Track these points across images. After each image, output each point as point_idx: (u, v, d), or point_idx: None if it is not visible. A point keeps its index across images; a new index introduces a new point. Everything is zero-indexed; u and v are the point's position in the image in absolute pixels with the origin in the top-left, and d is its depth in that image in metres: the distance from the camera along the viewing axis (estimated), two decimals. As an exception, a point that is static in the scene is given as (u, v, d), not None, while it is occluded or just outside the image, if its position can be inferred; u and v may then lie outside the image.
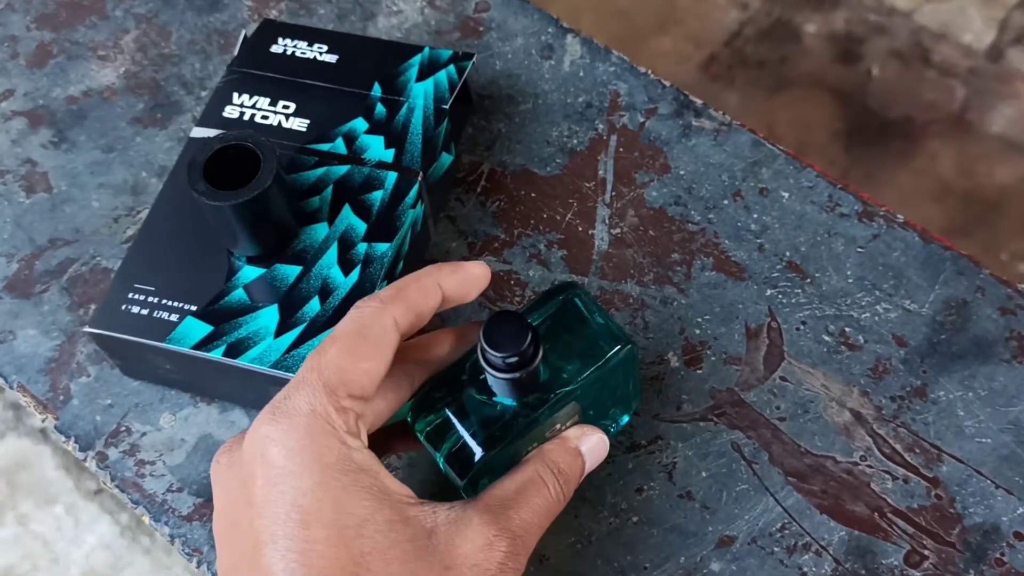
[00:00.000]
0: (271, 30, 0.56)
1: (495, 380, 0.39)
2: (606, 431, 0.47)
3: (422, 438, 0.41)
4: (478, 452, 0.40)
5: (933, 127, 1.44)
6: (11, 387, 0.51)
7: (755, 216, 0.54)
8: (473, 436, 0.40)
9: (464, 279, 0.41)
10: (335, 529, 0.35)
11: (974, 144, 1.43)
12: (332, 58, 0.54)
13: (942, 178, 1.39)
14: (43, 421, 0.50)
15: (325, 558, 0.34)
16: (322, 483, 0.35)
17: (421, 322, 0.40)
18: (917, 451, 0.47)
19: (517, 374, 0.39)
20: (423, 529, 0.37)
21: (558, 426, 0.42)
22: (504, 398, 0.40)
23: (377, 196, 0.49)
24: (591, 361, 0.41)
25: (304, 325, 0.46)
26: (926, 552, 0.45)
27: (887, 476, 0.47)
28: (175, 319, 0.47)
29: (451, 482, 0.41)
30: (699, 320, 0.51)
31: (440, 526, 0.37)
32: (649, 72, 0.59)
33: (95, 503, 1.25)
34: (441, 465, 0.41)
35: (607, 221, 0.54)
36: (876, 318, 0.50)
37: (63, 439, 0.49)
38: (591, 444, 0.43)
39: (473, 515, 0.38)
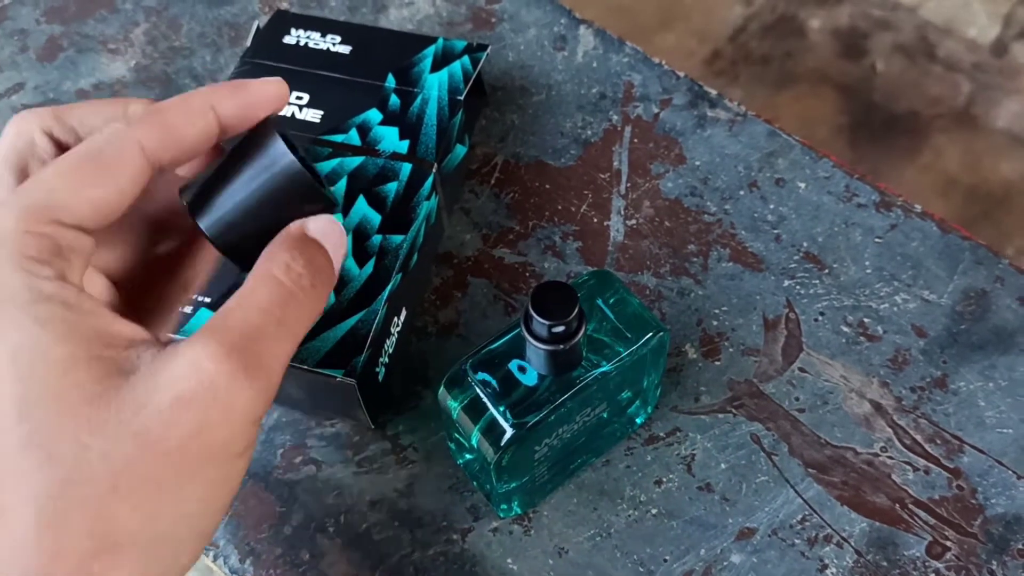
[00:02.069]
0: (284, 21, 0.55)
1: (535, 352, 0.39)
2: (623, 428, 0.47)
3: (456, 415, 0.41)
4: (508, 430, 0.39)
5: (938, 122, 1.44)
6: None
7: (771, 207, 0.53)
8: (504, 414, 0.39)
9: (248, 100, 0.35)
10: None
11: (979, 139, 1.43)
12: (345, 49, 0.54)
13: (947, 173, 1.39)
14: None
15: None
16: None
17: (184, 152, 0.34)
18: (938, 442, 0.47)
19: (560, 346, 0.38)
20: (117, 369, 0.30)
21: (588, 410, 0.42)
22: (540, 372, 0.40)
23: (392, 188, 0.49)
24: (626, 345, 0.41)
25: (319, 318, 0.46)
26: (948, 543, 0.44)
27: (908, 467, 0.46)
28: (189, 310, 0.46)
29: (482, 457, 0.41)
30: (716, 311, 0.50)
31: (144, 365, 0.30)
32: (662, 63, 0.58)
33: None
34: (474, 442, 0.40)
35: (622, 212, 0.54)
36: (895, 308, 0.50)
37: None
38: (319, 225, 0.35)
39: (184, 346, 0.30)
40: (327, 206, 0.36)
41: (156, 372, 0.30)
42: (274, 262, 0.33)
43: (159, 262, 0.38)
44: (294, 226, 0.35)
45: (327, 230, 0.35)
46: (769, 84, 1.49)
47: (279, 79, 0.35)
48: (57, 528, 0.28)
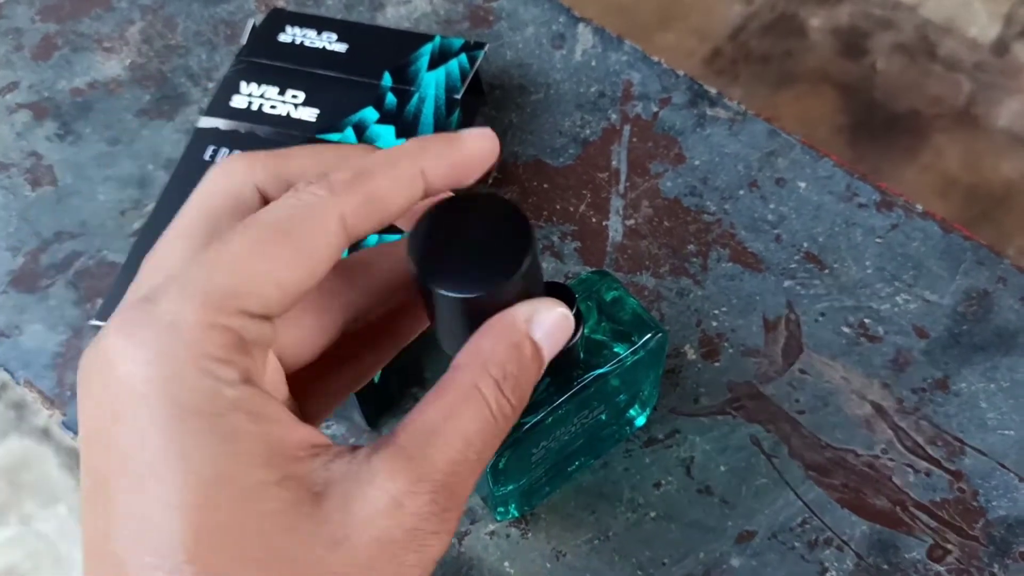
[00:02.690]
0: (279, 19, 0.55)
1: None
2: (622, 430, 0.46)
3: None
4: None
5: (939, 121, 1.44)
6: (18, 383, 0.50)
7: (772, 206, 0.53)
8: None
9: (461, 161, 0.29)
10: (177, 495, 0.24)
11: (980, 138, 1.42)
12: (342, 47, 0.53)
13: (948, 172, 1.38)
14: (49, 417, 0.49)
15: (161, 531, 0.24)
16: (168, 428, 0.25)
17: (383, 223, 0.29)
18: (939, 444, 0.46)
19: None
20: (308, 493, 0.26)
21: (586, 412, 0.41)
22: None
23: (388, 187, 0.48)
24: (625, 346, 0.40)
25: (315, 318, 0.45)
26: (949, 546, 0.44)
27: (909, 469, 0.46)
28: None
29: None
30: (716, 312, 0.50)
31: (333, 486, 0.26)
32: (662, 61, 0.58)
33: (98, 502, 1.24)
34: None
35: (621, 212, 0.53)
36: (896, 309, 0.50)
37: (70, 435, 0.49)
38: (548, 325, 0.30)
39: (379, 466, 0.27)
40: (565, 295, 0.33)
41: (348, 500, 0.26)
42: (485, 375, 0.29)
43: (335, 343, 0.33)
44: (520, 319, 0.30)
45: (555, 330, 0.30)
46: (769, 83, 1.49)
47: (489, 132, 0.30)
48: None
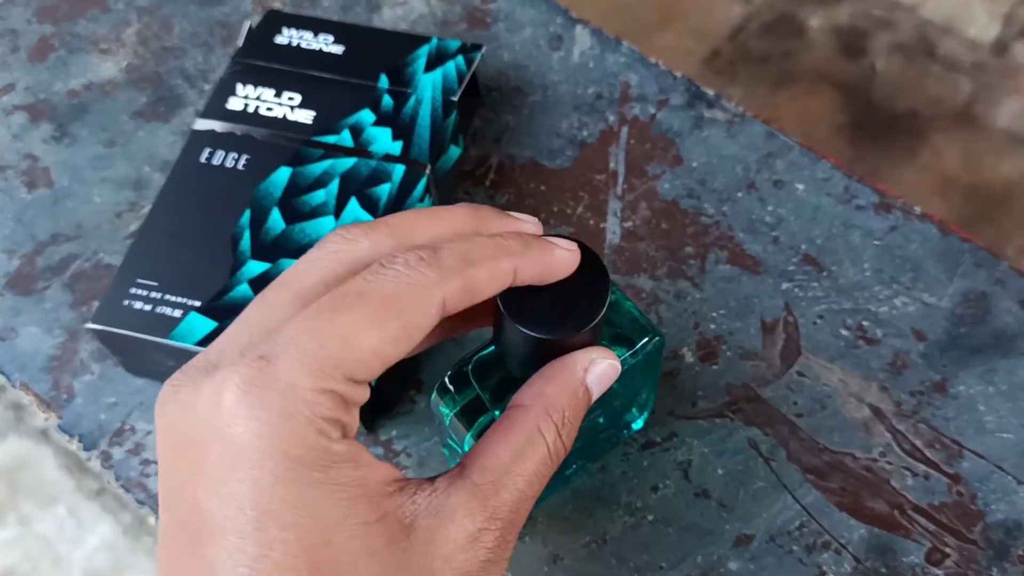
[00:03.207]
0: (276, 20, 0.55)
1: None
2: (619, 434, 0.46)
3: (448, 421, 0.40)
4: None
5: (938, 121, 1.44)
6: (13, 385, 0.50)
7: (770, 208, 0.53)
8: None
9: (549, 268, 0.34)
10: (296, 534, 0.29)
11: (979, 138, 1.42)
12: (338, 49, 0.53)
13: (947, 173, 1.38)
14: (46, 420, 0.49)
15: (281, 568, 0.28)
16: (288, 479, 0.28)
17: (472, 304, 0.33)
18: (937, 447, 0.46)
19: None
20: (400, 527, 0.30)
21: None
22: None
23: (384, 190, 0.48)
24: (622, 350, 0.40)
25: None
26: (948, 550, 0.44)
27: (907, 472, 0.46)
28: (178, 315, 0.46)
29: None
30: (714, 314, 0.50)
31: (419, 520, 0.31)
32: (660, 63, 0.58)
33: (97, 503, 1.24)
34: (467, 447, 0.40)
35: (619, 214, 0.53)
36: (894, 312, 0.49)
37: (66, 438, 0.48)
38: (600, 372, 0.35)
39: (457, 504, 0.31)
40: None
41: (433, 535, 0.31)
42: (548, 419, 0.34)
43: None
44: (580, 369, 0.35)
45: (605, 379, 0.35)
46: (768, 83, 1.49)
47: (575, 246, 0.34)
48: None
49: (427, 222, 0.34)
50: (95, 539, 1.23)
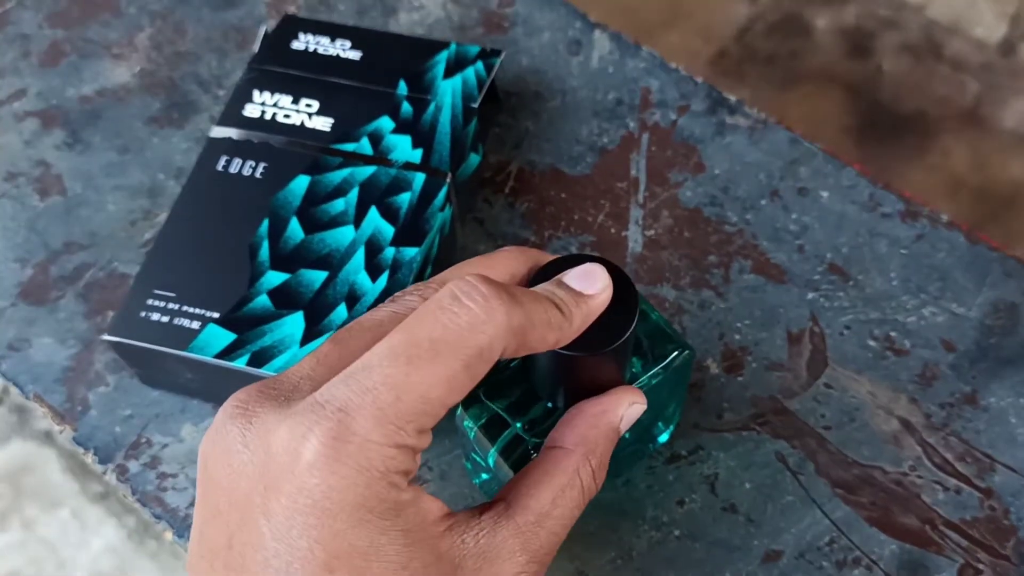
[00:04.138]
0: (292, 26, 0.54)
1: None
2: (644, 447, 0.45)
3: (473, 435, 0.39)
4: (531, 455, 0.38)
5: (945, 122, 1.43)
6: (27, 397, 0.49)
7: (794, 216, 0.52)
8: (526, 434, 0.38)
9: (587, 322, 0.35)
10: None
11: (987, 139, 1.41)
12: (356, 55, 0.52)
13: (955, 173, 1.37)
14: (60, 432, 0.48)
15: None
16: (359, 528, 0.30)
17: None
18: (969, 460, 0.45)
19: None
20: (451, 566, 0.32)
21: None
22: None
23: (405, 198, 0.48)
24: (653, 364, 0.39)
25: (331, 333, 0.44)
26: (980, 566, 0.43)
27: (938, 487, 0.45)
28: (196, 326, 0.45)
29: (500, 481, 0.39)
30: (739, 325, 0.49)
31: (468, 559, 0.32)
32: (680, 68, 0.57)
33: (101, 506, 1.24)
34: (491, 462, 0.39)
35: (640, 222, 0.52)
36: (922, 322, 0.49)
37: (81, 451, 0.48)
38: (632, 416, 0.37)
39: (501, 544, 0.33)
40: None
41: (477, 573, 0.32)
42: (586, 463, 0.35)
43: None
44: (615, 415, 0.36)
45: (634, 419, 0.37)
46: (775, 84, 1.48)
47: (609, 284, 0.35)
48: None
49: (483, 270, 0.35)
50: (99, 542, 1.22)
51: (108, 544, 1.22)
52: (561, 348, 0.34)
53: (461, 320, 0.30)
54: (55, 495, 1.25)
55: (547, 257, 0.36)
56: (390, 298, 0.35)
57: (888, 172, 1.37)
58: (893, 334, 0.48)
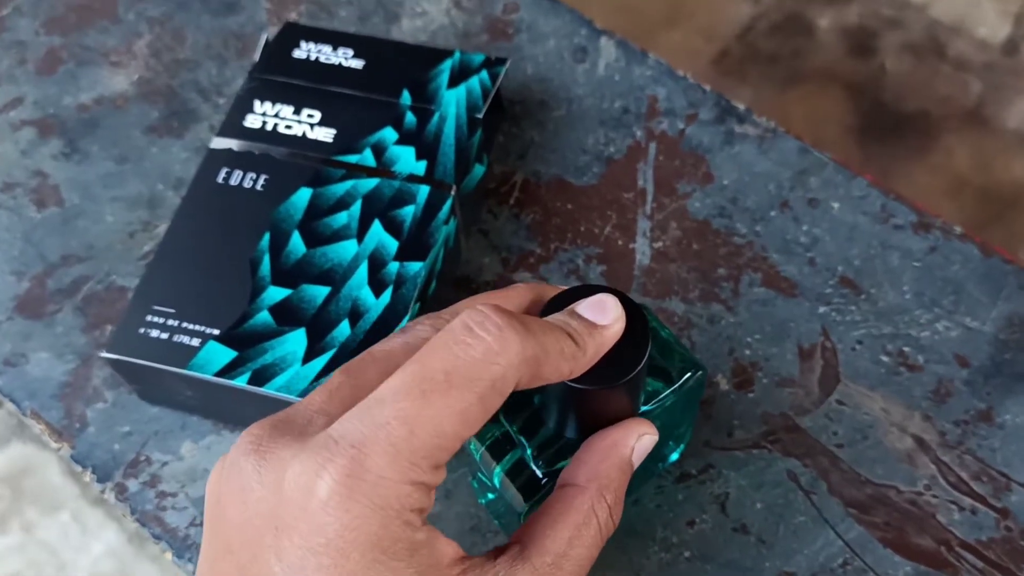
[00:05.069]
0: (293, 34, 0.53)
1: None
2: (654, 466, 0.44)
3: (479, 455, 0.39)
4: (538, 477, 0.37)
5: (948, 122, 1.42)
6: (24, 413, 0.48)
7: (804, 228, 0.51)
8: (531, 459, 0.37)
9: (599, 355, 0.35)
10: None
11: (990, 139, 1.41)
12: (358, 63, 0.51)
13: (958, 173, 1.37)
14: (58, 450, 0.47)
15: None
16: (372, 569, 0.29)
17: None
18: (984, 479, 0.45)
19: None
20: None
21: None
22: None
23: (408, 212, 0.47)
24: (665, 385, 0.38)
25: (334, 350, 0.43)
26: (997, 588, 0.42)
27: (953, 507, 0.44)
28: (196, 343, 0.44)
29: (507, 502, 0.38)
30: (749, 340, 0.48)
31: None
32: (688, 76, 0.56)
33: (101, 509, 1.23)
34: (496, 482, 0.38)
35: (648, 234, 0.51)
36: (936, 336, 0.48)
37: (79, 469, 0.47)
38: (644, 448, 0.36)
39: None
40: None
41: None
42: (602, 500, 0.34)
43: None
44: (626, 447, 0.36)
45: (645, 451, 0.36)
46: (777, 83, 1.47)
47: (622, 316, 0.34)
48: None
49: (496, 302, 0.34)
50: (100, 546, 1.22)
51: (109, 547, 1.21)
52: (573, 381, 0.33)
53: (475, 351, 0.30)
54: (55, 498, 1.24)
55: (556, 290, 0.36)
56: (401, 328, 0.34)
57: (890, 172, 1.36)
58: (906, 349, 0.47)
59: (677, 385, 0.38)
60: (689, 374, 0.38)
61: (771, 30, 1.52)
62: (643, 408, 0.38)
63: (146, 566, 1.21)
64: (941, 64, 1.48)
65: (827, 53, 1.50)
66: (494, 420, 0.38)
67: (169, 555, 0.45)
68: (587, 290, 0.35)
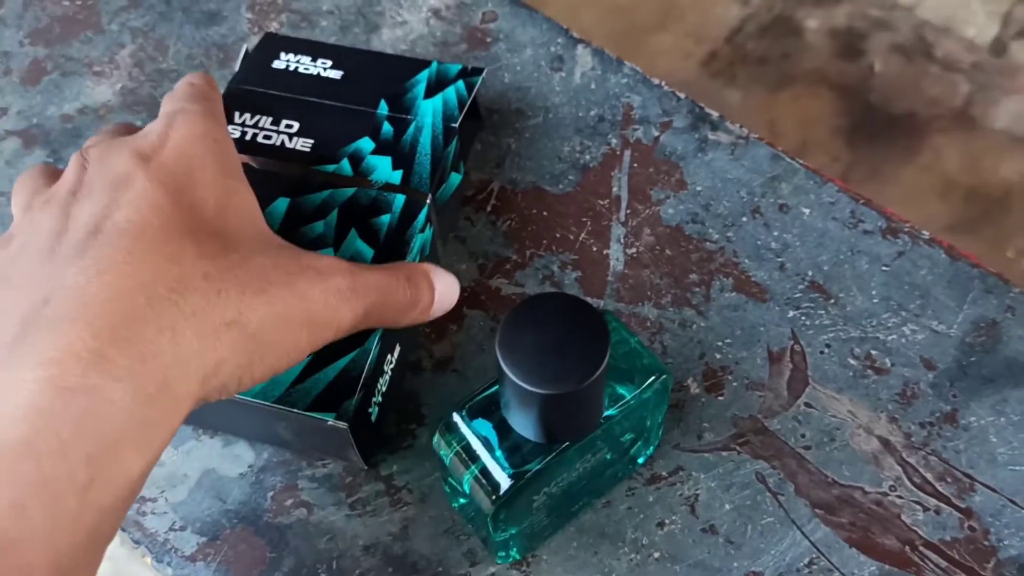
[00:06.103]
0: (273, 45, 0.54)
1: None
2: (625, 468, 0.45)
3: (448, 461, 0.39)
4: (505, 481, 0.38)
5: (937, 123, 1.43)
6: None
7: (775, 234, 0.52)
8: (500, 463, 0.38)
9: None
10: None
11: (979, 139, 1.41)
12: (337, 74, 0.52)
13: (947, 174, 1.37)
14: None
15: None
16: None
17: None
18: (949, 480, 0.45)
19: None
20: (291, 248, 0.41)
21: (589, 455, 0.40)
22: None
23: (384, 220, 0.47)
24: (629, 389, 0.39)
25: (311, 357, 0.44)
26: (960, 586, 0.43)
27: (918, 507, 0.45)
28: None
29: (477, 506, 0.39)
30: (719, 344, 0.49)
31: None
32: (663, 83, 0.57)
33: (94, 512, 1.23)
34: (466, 487, 0.39)
35: (622, 240, 0.52)
36: (903, 340, 0.49)
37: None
38: (445, 283, 0.45)
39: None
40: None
41: (315, 256, 0.41)
42: (401, 275, 0.43)
43: None
44: (425, 266, 0.45)
45: (447, 299, 0.45)
46: (766, 85, 1.48)
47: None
48: None
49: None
50: (93, 549, 1.22)
51: (101, 550, 1.22)
52: (534, 385, 0.34)
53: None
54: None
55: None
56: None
57: (879, 172, 1.37)
58: (874, 352, 0.48)
59: (641, 389, 0.39)
60: (653, 378, 0.39)
61: (760, 32, 1.53)
62: (607, 412, 0.39)
63: (139, 569, 1.21)
64: (929, 65, 1.49)
65: (816, 55, 1.51)
66: (458, 432, 0.39)
67: (149, 559, 0.45)
68: (552, 299, 0.35)
